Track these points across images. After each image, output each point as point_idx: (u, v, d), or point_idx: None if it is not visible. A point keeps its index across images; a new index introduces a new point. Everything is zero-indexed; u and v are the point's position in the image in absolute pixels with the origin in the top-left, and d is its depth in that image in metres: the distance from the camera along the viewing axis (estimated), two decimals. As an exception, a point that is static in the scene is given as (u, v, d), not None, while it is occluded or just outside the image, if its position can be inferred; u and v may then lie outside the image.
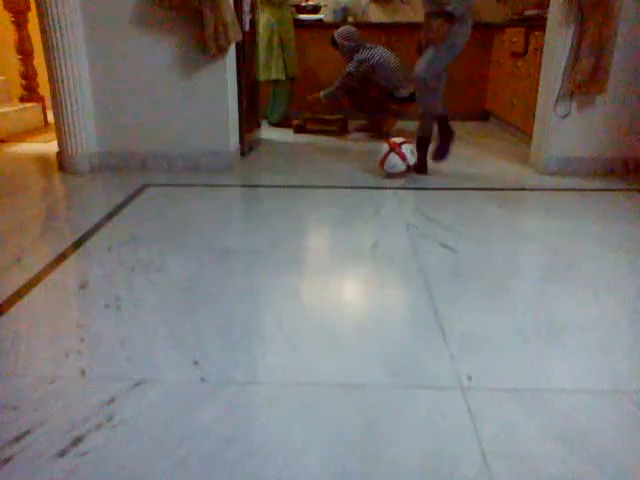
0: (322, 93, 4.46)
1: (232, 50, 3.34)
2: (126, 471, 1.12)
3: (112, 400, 1.32)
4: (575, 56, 3.11)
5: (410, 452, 1.17)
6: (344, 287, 2.03)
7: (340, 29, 4.39)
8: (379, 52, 4.27)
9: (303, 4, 5.37)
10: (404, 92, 4.30)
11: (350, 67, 4.29)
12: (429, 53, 3.11)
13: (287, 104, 4.88)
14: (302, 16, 5.26)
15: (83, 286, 1.93)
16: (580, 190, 3.09)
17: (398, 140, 3.27)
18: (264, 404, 1.33)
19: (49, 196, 3.11)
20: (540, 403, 1.33)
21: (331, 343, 1.59)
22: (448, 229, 2.45)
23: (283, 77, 4.62)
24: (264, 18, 4.48)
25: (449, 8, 2.97)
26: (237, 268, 2.08)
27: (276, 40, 4.52)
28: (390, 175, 3.27)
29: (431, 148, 3.38)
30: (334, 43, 4.40)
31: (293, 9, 5.05)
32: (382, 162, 3.24)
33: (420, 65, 3.14)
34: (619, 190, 3.09)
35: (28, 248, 2.24)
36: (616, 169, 3.39)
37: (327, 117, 4.67)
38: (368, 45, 4.32)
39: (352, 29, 4.40)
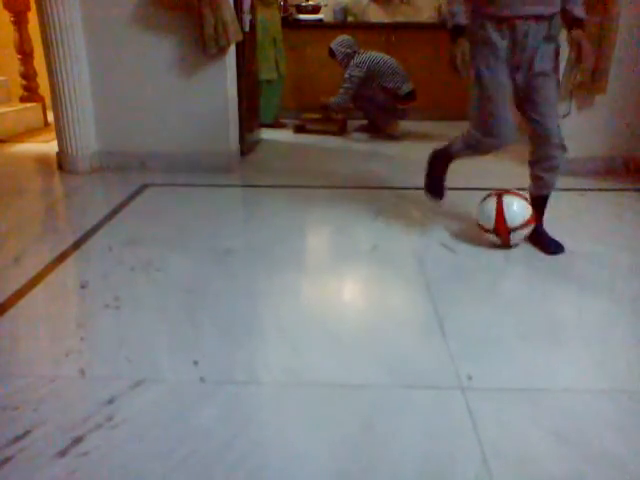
0: (330, 101, 4.53)
1: (232, 50, 3.34)
2: (126, 471, 1.12)
3: (112, 400, 1.32)
4: (575, 56, 3.11)
5: (410, 452, 1.17)
6: (344, 287, 2.03)
7: (336, 38, 4.51)
8: (374, 54, 4.39)
9: (303, 4, 5.37)
10: (406, 89, 4.35)
11: (349, 71, 4.39)
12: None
13: (279, 104, 4.89)
14: (302, 16, 5.26)
15: (83, 286, 1.93)
16: (580, 190, 3.09)
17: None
18: (264, 404, 1.33)
19: (49, 196, 3.11)
20: (540, 403, 1.33)
21: (331, 343, 1.58)
22: (448, 229, 2.45)
23: (276, 77, 4.63)
24: (256, 17, 4.47)
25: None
26: (237, 268, 2.08)
27: (269, 40, 4.53)
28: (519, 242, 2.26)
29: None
30: (331, 53, 4.52)
31: (281, 8, 5.08)
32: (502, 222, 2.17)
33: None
34: (619, 190, 3.09)
35: (28, 248, 2.24)
36: (616, 169, 3.38)
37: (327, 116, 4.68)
38: (362, 50, 4.45)
39: (348, 37, 4.52)
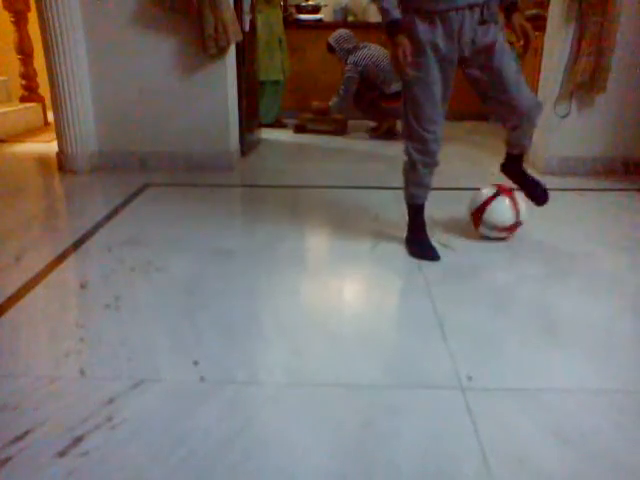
0: (331, 104, 4.49)
1: (232, 50, 3.34)
2: (126, 471, 1.12)
3: (112, 400, 1.32)
4: (575, 56, 3.11)
5: (410, 452, 1.17)
6: (344, 287, 2.03)
7: (334, 33, 4.45)
8: (370, 51, 4.31)
9: (303, 4, 5.37)
10: (395, 87, 4.28)
11: (347, 72, 4.35)
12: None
13: (280, 104, 4.90)
14: (302, 16, 5.26)
15: (83, 286, 1.93)
16: (580, 190, 3.09)
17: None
18: (264, 404, 1.33)
19: (49, 196, 3.11)
20: (540, 403, 1.33)
21: (331, 343, 1.58)
22: (448, 228, 2.45)
23: (282, 77, 4.62)
24: (262, 18, 4.47)
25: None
26: (237, 268, 2.08)
27: (275, 40, 4.52)
28: (488, 235, 2.31)
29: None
30: (330, 48, 4.48)
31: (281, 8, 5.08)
32: (479, 213, 2.26)
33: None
34: (619, 190, 3.09)
35: (28, 248, 2.24)
36: (616, 169, 3.38)
37: (327, 117, 4.67)
38: (361, 45, 4.37)
39: (345, 32, 4.45)
